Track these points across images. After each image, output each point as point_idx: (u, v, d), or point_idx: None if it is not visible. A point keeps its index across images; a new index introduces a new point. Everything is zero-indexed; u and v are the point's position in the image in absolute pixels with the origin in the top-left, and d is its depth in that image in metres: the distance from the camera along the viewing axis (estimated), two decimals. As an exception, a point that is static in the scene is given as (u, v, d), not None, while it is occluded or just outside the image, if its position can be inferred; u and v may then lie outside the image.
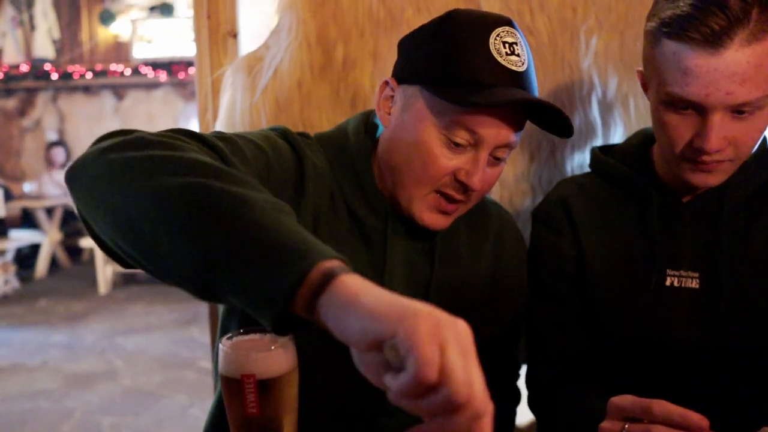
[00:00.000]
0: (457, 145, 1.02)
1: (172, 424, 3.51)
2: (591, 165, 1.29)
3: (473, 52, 1.00)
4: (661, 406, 0.85)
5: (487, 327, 1.17)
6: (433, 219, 1.08)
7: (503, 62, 1.00)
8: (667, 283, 1.14)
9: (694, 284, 1.13)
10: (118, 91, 8.10)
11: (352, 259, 1.07)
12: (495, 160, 1.05)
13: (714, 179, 1.08)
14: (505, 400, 1.17)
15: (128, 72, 7.77)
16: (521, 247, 1.27)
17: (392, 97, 1.09)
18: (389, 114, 1.09)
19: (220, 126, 1.59)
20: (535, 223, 1.29)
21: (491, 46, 1.00)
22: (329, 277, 0.67)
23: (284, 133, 1.09)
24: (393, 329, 0.61)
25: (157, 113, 7.99)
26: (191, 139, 0.89)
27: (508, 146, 1.04)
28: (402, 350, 0.61)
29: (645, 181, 1.18)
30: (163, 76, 7.73)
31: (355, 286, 0.67)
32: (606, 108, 1.55)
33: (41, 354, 4.60)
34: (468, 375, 0.60)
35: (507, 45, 1.01)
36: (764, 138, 1.18)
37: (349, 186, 1.11)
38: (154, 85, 7.96)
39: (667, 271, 1.14)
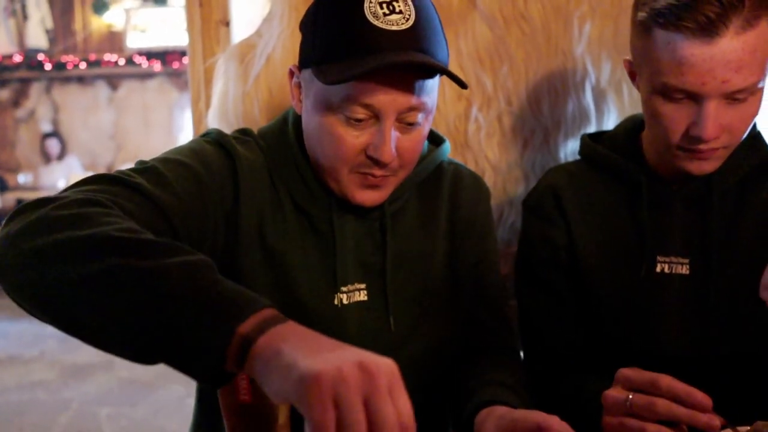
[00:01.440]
0: (357, 120, 0.99)
1: (168, 414, 3.52)
2: (581, 152, 1.29)
3: (348, 22, 0.96)
4: (668, 381, 0.86)
5: (456, 297, 1.17)
6: (366, 196, 1.06)
7: (380, 24, 0.95)
8: (658, 269, 1.14)
9: (685, 270, 1.13)
10: (113, 81, 8.05)
11: (302, 252, 1.09)
12: (408, 126, 1.02)
13: (709, 166, 1.08)
14: (507, 368, 1.16)
15: (122, 62, 7.72)
16: (479, 203, 1.22)
17: (300, 83, 1.07)
18: (300, 101, 1.08)
19: (213, 115, 1.58)
20: (525, 213, 1.29)
21: (366, 11, 0.95)
22: (254, 336, 0.70)
23: (215, 138, 1.08)
24: (291, 396, 0.65)
25: (151, 103, 7.95)
26: (106, 185, 0.90)
27: (416, 109, 1.00)
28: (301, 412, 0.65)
29: (634, 167, 1.18)
30: (157, 65, 7.69)
31: (276, 344, 0.69)
32: (599, 94, 1.55)
33: (38, 345, 4.60)
34: (362, 425, 0.63)
35: (384, 5, 0.96)
36: (754, 122, 1.18)
37: (291, 179, 1.10)
38: (148, 75, 7.92)
39: (658, 257, 1.14)
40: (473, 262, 1.20)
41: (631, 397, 0.89)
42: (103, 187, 0.90)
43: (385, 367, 0.67)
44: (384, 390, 0.65)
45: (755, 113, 1.06)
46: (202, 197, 1.01)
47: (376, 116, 1.00)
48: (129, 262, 0.74)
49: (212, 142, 1.08)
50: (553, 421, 0.86)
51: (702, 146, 1.03)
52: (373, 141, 1.01)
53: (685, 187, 1.15)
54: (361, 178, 1.05)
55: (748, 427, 0.83)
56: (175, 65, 7.64)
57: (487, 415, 0.95)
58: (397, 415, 0.64)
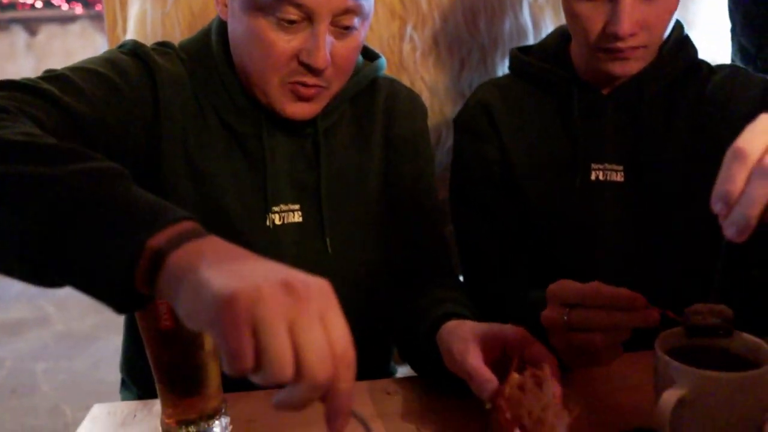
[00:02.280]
0: (290, 23, 0.93)
1: (108, 365, 3.43)
2: (510, 65, 1.27)
3: None
4: (594, 291, 0.84)
5: (394, 217, 1.13)
6: (297, 109, 1.00)
7: None
8: (592, 177, 1.13)
9: (619, 177, 1.13)
10: (30, 25, 7.58)
11: (230, 172, 1.03)
12: (343, 31, 0.97)
13: (631, 67, 1.08)
14: (454, 288, 1.12)
15: (40, 4, 7.27)
16: (415, 120, 1.18)
17: None
18: (226, 5, 1.01)
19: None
20: (457, 132, 1.26)
21: None
22: (166, 250, 0.61)
23: (132, 48, 1.01)
24: (201, 322, 0.56)
25: (75, 49, 7.53)
26: (9, 92, 0.81)
27: (352, 12, 0.95)
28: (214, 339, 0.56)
29: (564, 76, 1.16)
30: (78, 8, 7.28)
31: (191, 260, 0.59)
32: (537, 11, 1.51)
33: (-35, 304, 4.40)
34: (284, 353, 0.54)
35: None
36: (681, 26, 1.18)
37: (216, 93, 1.03)
38: (69, 19, 7.49)
39: (592, 165, 1.14)
40: (409, 181, 1.15)
41: (566, 317, 0.87)
42: (7, 93, 0.81)
43: (316, 286, 0.57)
44: (313, 314, 0.56)
45: (672, 10, 1.06)
46: (119, 108, 0.93)
47: (310, 18, 0.94)
48: (26, 167, 0.65)
49: (128, 52, 1.01)
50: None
51: (620, 44, 1.03)
52: (305, 46, 0.95)
53: (616, 93, 1.14)
54: (293, 88, 0.98)
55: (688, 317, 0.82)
56: (98, 7, 7.24)
57: (454, 327, 0.90)
58: (329, 342, 0.55)
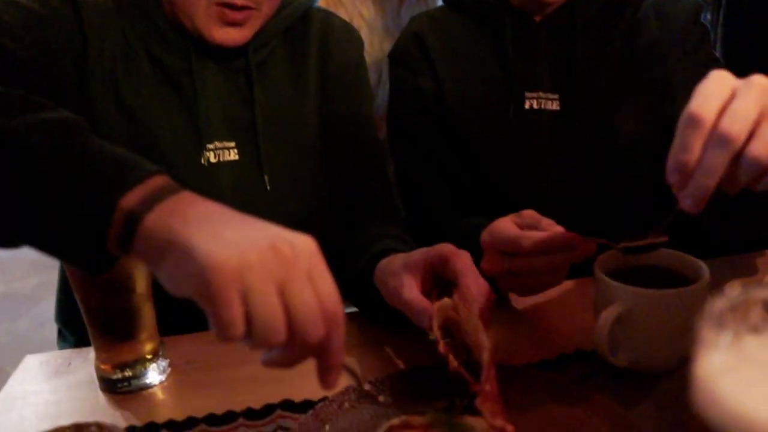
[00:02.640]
0: None
1: (53, 325, 3.35)
2: None
3: None
4: (528, 241, 0.82)
5: (332, 152, 1.11)
6: (224, 34, 0.96)
7: None
8: (527, 106, 1.12)
9: (554, 106, 1.12)
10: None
11: (162, 108, 0.98)
12: None
13: None
14: (394, 225, 1.11)
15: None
16: (351, 52, 1.14)
17: None
18: None
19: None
20: (392, 65, 1.23)
21: None
22: (140, 212, 0.57)
23: None
24: (187, 291, 0.54)
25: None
26: None
27: None
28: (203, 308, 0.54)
29: (495, 4, 1.14)
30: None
31: (168, 223, 0.56)
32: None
33: None
34: (276, 318, 0.53)
35: None
36: None
37: (142, 25, 0.98)
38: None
39: (526, 93, 1.12)
40: (347, 115, 1.12)
41: (507, 266, 0.86)
42: None
43: (302, 246, 0.56)
44: (302, 274, 0.54)
45: None
46: (46, 41, 0.88)
47: None
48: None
49: None
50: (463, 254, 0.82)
51: None
52: None
53: (549, 20, 1.12)
54: (220, 12, 0.93)
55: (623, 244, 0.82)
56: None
57: (387, 263, 0.88)
58: (319, 302, 0.55)
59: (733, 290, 0.42)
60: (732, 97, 0.59)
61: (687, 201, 0.62)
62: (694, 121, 0.59)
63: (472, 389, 0.64)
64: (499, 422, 0.60)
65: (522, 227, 0.87)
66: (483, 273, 0.86)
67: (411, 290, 0.78)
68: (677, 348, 0.78)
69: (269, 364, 0.57)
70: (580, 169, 1.11)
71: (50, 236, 0.59)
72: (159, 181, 0.60)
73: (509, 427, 0.60)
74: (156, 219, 0.56)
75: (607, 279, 0.77)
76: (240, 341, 0.54)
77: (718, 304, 0.41)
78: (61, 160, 0.59)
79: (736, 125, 0.58)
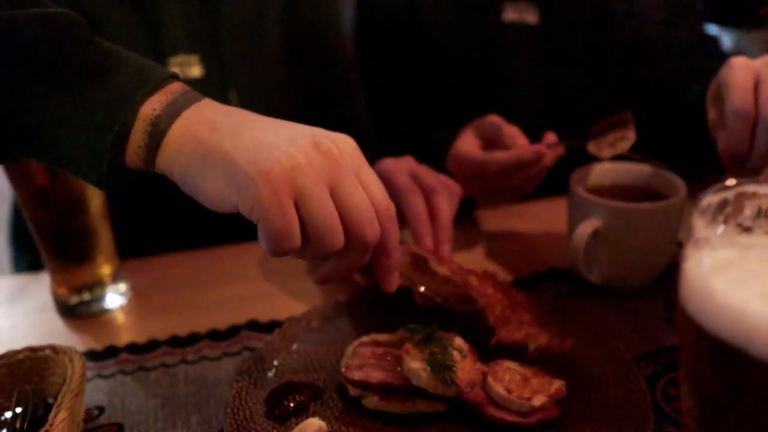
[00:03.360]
0: None
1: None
2: None
3: None
4: (494, 164, 0.80)
5: (297, 62, 1.05)
6: None
7: None
8: (505, 18, 1.07)
9: (533, 19, 1.07)
10: None
11: (123, 20, 0.90)
12: None
13: None
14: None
15: None
16: None
17: None
18: None
19: None
20: None
21: None
22: (165, 119, 0.51)
23: None
24: (234, 203, 0.50)
25: None
26: None
27: None
28: (254, 220, 0.50)
29: None
30: None
31: (198, 132, 0.51)
32: None
33: None
34: (333, 221, 0.50)
35: None
36: None
37: None
38: None
39: (505, 4, 1.07)
40: (313, 25, 1.06)
41: (481, 187, 0.84)
42: None
43: (345, 144, 0.53)
44: (350, 173, 0.51)
45: None
46: None
47: None
48: None
49: None
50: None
51: None
52: None
53: None
54: None
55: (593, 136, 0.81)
56: None
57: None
58: (371, 199, 0.52)
59: (726, 185, 0.39)
60: (757, 81, 0.65)
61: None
62: (741, 116, 0.65)
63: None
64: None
65: (485, 141, 0.85)
66: (463, 194, 0.85)
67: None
68: (653, 265, 0.77)
69: (324, 278, 0.55)
70: (558, 84, 1.08)
71: (53, 143, 0.52)
72: (177, 87, 0.54)
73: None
74: (184, 128, 0.51)
75: (583, 193, 0.74)
76: (293, 254, 0.51)
77: (710, 199, 0.39)
78: (64, 57, 0.52)
79: None
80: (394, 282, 0.56)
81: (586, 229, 0.72)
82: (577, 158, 0.82)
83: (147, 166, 0.52)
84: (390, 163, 0.84)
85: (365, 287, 0.60)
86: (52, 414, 0.55)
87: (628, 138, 0.78)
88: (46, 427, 0.53)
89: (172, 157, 0.51)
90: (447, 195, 0.78)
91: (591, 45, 1.07)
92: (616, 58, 1.09)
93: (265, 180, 0.48)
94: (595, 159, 0.80)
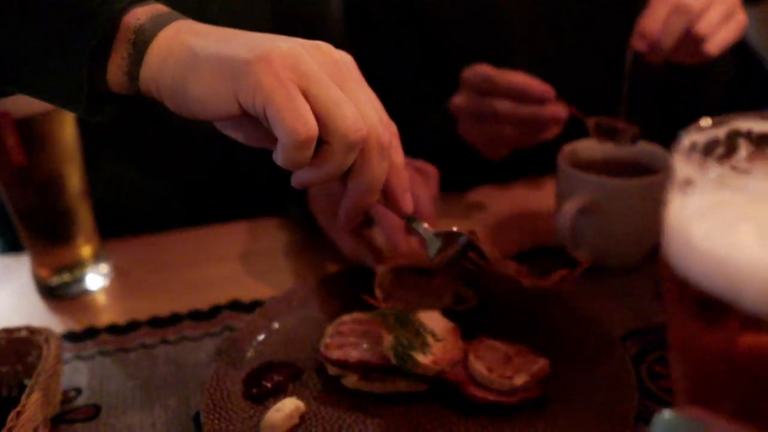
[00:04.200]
0: None
1: None
2: None
3: None
4: (506, 77, 0.79)
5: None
6: None
7: None
8: None
9: None
10: None
11: None
12: None
13: None
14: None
15: None
16: None
17: None
18: None
19: None
20: None
21: None
22: (150, 28, 0.49)
23: None
24: (232, 100, 0.46)
25: None
26: None
27: None
28: (259, 114, 0.46)
29: None
30: None
31: (185, 40, 0.48)
32: None
33: None
34: (348, 105, 0.47)
35: None
36: None
37: None
38: None
39: None
40: (304, 8, 1.04)
41: (477, 107, 0.82)
42: None
43: (345, 55, 0.51)
44: (351, 75, 0.49)
45: None
46: None
47: None
48: None
49: None
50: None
51: None
52: None
53: None
54: None
55: (595, 118, 0.78)
56: None
57: None
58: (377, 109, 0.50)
59: (712, 123, 0.36)
60: None
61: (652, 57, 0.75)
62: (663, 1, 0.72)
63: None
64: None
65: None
66: (452, 109, 0.85)
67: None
68: (641, 241, 0.75)
69: (361, 188, 0.51)
70: (554, 56, 1.05)
71: (34, 64, 0.50)
72: (163, 7, 0.51)
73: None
74: (171, 37, 0.48)
75: (570, 169, 0.73)
76: (310, 147, 0.46)
77: (693, 137, 0.36)
78: None
79: (695, 3, 0.71)
80: (408, 202, 0.54)
81: (573, 205, 0.70)
82: (567, 137, 0.81)
83: (131, 82, 0.50)
84: None
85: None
86: (24, 395, 0.54)
87: (627, 139, 0.76)
88: (18, 408, 0.52)
89: (158, 66, 0.48)
90: (423, 181, 0.76)
91: (589, 16, 1.03)
92: (614, 29, 1.06)
93: (266, 61, 0.45)
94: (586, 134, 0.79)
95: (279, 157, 0.47)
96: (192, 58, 0.47)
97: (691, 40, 0.74)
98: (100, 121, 0.53)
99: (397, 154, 0.53)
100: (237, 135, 0.51)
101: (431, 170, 0.79)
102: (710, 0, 0.73)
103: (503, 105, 0.78)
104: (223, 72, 0.46)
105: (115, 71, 0.49)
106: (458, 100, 0.84)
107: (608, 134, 0.76)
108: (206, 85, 0.46)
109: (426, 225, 0.57)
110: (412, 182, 0.76)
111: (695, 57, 0.75)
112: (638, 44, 0.74)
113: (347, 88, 0.48)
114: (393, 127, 0.52)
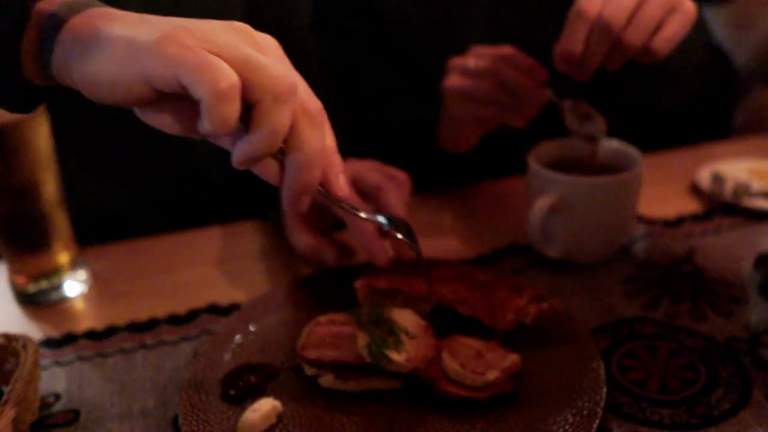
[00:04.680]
0: None
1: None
2: None
3: None
4: (484, 50, 0.79)
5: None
6: None
7: None
8: None
9: None
10: None
11: None
12: None
13: None
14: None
15: None
16: None
17: None
18: None
19: None
20: None
21: None
22: (62, 14, 0.48)
23: None
24: (141, 74, 0.45)
25: None
26: None
27: None
28: (174, 86, 0.44)
29: None
30: None
31: (97, 24, 0.47)
32: None
33: None
34: (270, 61, 0.45)
35: None
36: None
37: None
38: None
39: None
40: (277, 15, 1.05)
41: (466, 85, 0.81)
42: None
43: (263, 36, 0.49)
44: (272, 52, 0.48)
45: None
46: None
47: None
48: None
49: None
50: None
51: None
52: None
53: None
54: None
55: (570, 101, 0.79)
56: None
57: None
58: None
59: None
60: None
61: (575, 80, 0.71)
62: (582, 18, 0.67)
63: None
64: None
65: None
66: (443, 90, 0.84)
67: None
68: (611, 238, 0.77)
69: (299, 161, 0.47)
70: (512, 37, 1.05)
71: None
72: None
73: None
74: (83, 21, 0.48)
75: (540, 168, 0.75)
76: (235, 99, 0.43)
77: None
78: None
79: (615, 15, 0.66)
80: (341, 185, 0.53)
81: (543, 203, 0.72)
82: (536, 135, 0.82)
83: (44, 70, 0.49)
84: None
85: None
86: (1, 401, 0.54)
87: (600, 128, 0.77)
88: (-5, 414, 0.53)
89: (68, 51, 0.47)
90: (395, 187, 0.76)
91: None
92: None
93: (170, 37, 0.43)
94: (557, 133, 0.80)
95: (205, 122, 0.44)
96: (100, 42, 0.46)
97: (619, 51, 0.69)
98: (22, 112, 0.53)
99: (328, 136, 0.52)
100: (159, 122, 0.49)
101: (402, 176, 0.79)
102: (636, 4, 0.68)
103: (509, 72, 0.77)
104: (129, 54, 0.45)
105: (29, 59, 0.49)
106: (449, 82, 0.83)
107: (583, 118, 0.77)
108: (114, 69, 0.45)
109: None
110: (385, 188, 0.77)
111: (645, 57, 0.70)
112: (561, 67, 0.71)
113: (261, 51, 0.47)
114: (319, 103, 0.50)
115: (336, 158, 0.53)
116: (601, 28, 0.67)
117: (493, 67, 0.79)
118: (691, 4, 0.70)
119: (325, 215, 0.79)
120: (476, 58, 0.81)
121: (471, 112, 0.83)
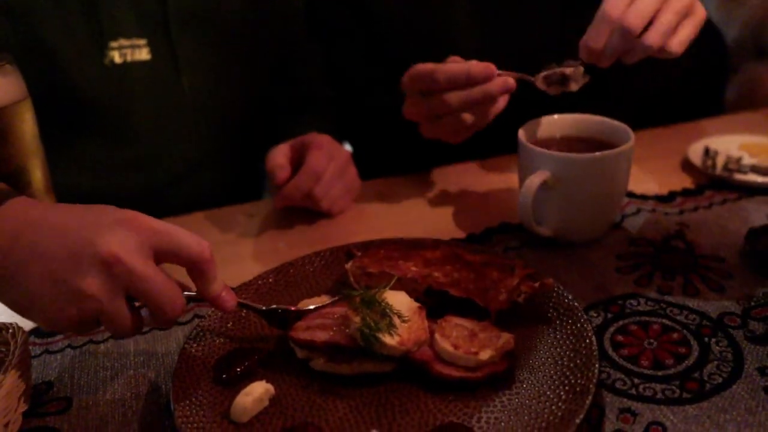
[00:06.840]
0: None
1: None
2: None
3: None
4: (444, 71, 0.78)
5: (256, 44, 1.04)
6: None
7: None
8: None
9: None
10: None
11: (55, 4, 0.88)
12: None
13: None
14: (321, 115, 1.08)
15: None
16: None
17: None
18: None
19: None
20: None
21: None
22: None
23: None
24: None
25: None
26: None
27: None
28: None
29: None
30: None
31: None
32: None
33: None
34: (164, 290, 0.55)
35: None
36: None
37: None
38: None
39: None
40: (272, 6, 1.04)
41: (428, 108, 0.81)
42: None
43: (129, 240, 0.55)
44: (138, 271, 0.54)
45: None
46: None
47: None
48: None
49: None
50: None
51: None
52: None
53: None
54: None
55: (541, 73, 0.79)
56: None
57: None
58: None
59: None
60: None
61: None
62: (606, 20, 0.72)
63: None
64: None
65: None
66: (407, 117, 0.85)
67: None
68: (602, 215, 0.77)
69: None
70: (496, 29, 1.04)
71: None
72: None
73: None
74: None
75: (530, 146, 0.74)
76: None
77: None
78: None
79: (635, 21, 0.71)
80: (226, 300, 0.60)
81: (534, 181, 0.71)
82: (527, 114, 0.81)
83: None
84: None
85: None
86: (-8, 390, 0.54)
87: (577, 79, 0.77)
88: (-13, 404, 0.53)
89: None
90: (336, 173, 0.85)
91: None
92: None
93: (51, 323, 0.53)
94: (547, 111, 0.80)
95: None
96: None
97: (638, 51, 0.74)
98: None
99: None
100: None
101: (343, 154, 0.86)
102: (658, 6, 0.73)
103: (453, 97, 0.78)
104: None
105: None
106: (408, 109, 0.84)
107: (558, 83, 0.78)
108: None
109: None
110: (329, 184, 0.85)
111: (660, 56, 0.74)
112: (583, 56, 0.76)
113: (136, 291, 0.54)
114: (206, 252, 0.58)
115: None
116: (621, 30, 0.72)
117: (445, 100, 0.79)
118: (702, 9, 0.76)
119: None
120: (416, 79, 0.82)
121: (443, 127, 0.83)
